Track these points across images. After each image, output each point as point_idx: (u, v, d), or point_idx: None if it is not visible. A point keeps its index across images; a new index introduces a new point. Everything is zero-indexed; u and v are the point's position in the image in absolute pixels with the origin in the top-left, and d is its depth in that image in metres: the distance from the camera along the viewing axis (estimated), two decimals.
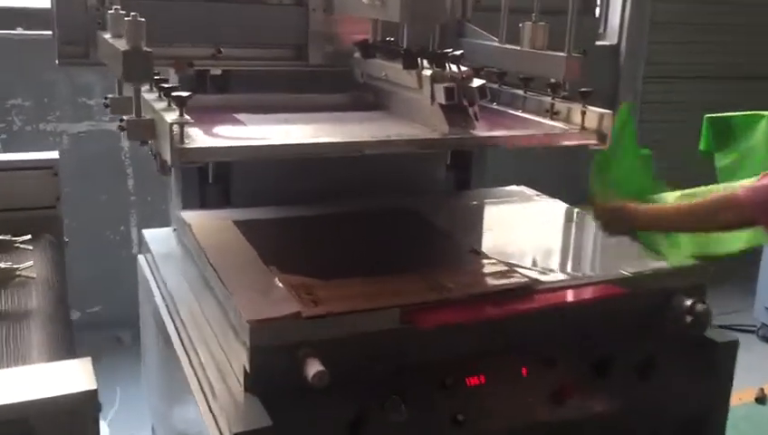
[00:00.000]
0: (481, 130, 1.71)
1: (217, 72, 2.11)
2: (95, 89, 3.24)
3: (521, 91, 1.99)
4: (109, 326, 3.33)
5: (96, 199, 3.36)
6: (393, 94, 1.93)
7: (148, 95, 1.60)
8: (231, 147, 1.39)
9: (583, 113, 1.73)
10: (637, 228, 1.65)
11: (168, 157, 1.35)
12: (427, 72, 1.68)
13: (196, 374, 1.63)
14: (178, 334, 1.80)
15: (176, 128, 1.33)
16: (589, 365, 1.70)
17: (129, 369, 2.88)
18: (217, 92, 2.10)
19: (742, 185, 1.44)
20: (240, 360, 1.48)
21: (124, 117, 1.48)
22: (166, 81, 1.60)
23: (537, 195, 2.34)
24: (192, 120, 1.35)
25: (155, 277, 2.12)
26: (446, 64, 1.70)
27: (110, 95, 1.75)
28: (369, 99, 2.07)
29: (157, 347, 2.05)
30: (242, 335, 1.44)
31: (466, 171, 2.36)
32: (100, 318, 3.41)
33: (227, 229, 1.93)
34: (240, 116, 1.85)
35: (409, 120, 1.85)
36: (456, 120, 1.70)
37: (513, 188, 2.40)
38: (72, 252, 3.25)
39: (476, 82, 1.65)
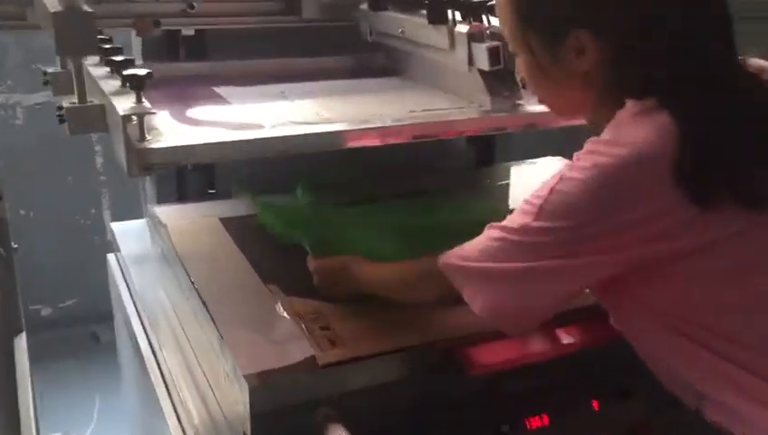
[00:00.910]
0: (528, 102, 1.33)
1: (190, 32, 1.70)
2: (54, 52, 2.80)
3: None
4: (84, 321, 2.97)
5: (62, 181, 2.96)
6: (412, 56, 1.53)
7: (97, 70, 1.21)
8: (212, 144, 0.99)
9: None
10: (362, 292, 1.23)
11: (122, 160, 0.96)
12: (462, 29, 1.29)
13: (178, 417, 1.28)
14: (156, 360, 1.44)
15: (132, 121, 0.95)
16: (671, 395, 1.35)
17: (108, 372, 2.51)
18: (191, 59, 1.70)
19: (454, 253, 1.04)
20: (236, 411, 1.13)
21: (63, 103, 1.08)
22: (119, 50, 1.20)
23: None
24: (153, 110, 0.96)
25: (126, 283, 1.75)
26: (485, 17, 1.31)
27: (50, 69, 1.35)
28: (378, 62, 1.68)
29: (132, 366, 1.69)
30: (239, 392, 1.08)
31: (489, 143, 1.97)
32: (73, 313, 3.04)
33: (213, 231, 1.55)
34: (221, 90, 1.45)
35: (435, 87, 1.46)
36: (499, 88, 1.31)
37: (549, 159, 2.02)
38: (38, 242, 2.91)
39: None
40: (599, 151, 0.91)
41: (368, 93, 1.47)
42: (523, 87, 1.31)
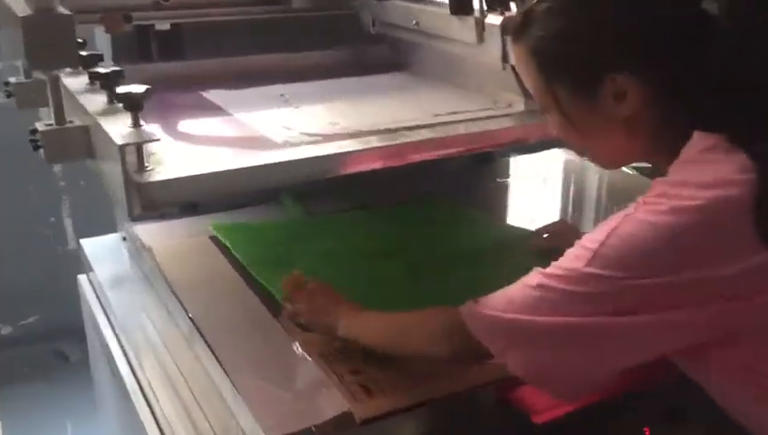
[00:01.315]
0: None
1: (165, 26, 1.51)
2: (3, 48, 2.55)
3: None
4: (49, 339, 2.74)
5: (19, 189, 2.71)
6: (424, 49, 1.37)
7: (73, 81, 1.02)
8: (229, 172, 0.81)
9: None
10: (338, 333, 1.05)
11: (119, 197, 0.78)
12: (494, 20, 1.13)
13: None
14: (144, 398, 1.26)
15: (130, 152, 0.77)
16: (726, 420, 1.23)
17: (80, 394, 2.31)
18: (168, 58, 1.51)
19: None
20: None
21: (37, 126, 0.89)
22: (99, 57, 1.01)
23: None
24: (155, 137, 0.78)
25: (103, 308, 1.56)
26: (514, 4, 1.16)
27: (12, 79, 1.16)
28: (380, 55, 1.51)
29: (115, 401, 1.51)
30: None
31: None
32: (36, 330, 2.80)
33: (205, 253, 1.37)
34: (212, 95, 1.27)
35: (450, 84, 1.31)
36: None
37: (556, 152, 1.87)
38: None
39: None
40: (671, 194, 0.77)
41: (378, 93, 1.30)
42: None
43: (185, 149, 0.95)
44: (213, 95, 1.26)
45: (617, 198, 1.64)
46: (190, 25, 1.51)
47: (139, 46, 1.52)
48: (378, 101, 1.26)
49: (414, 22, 1.32)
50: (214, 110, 1.17)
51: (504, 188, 1.71)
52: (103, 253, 1.64)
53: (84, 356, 1.80)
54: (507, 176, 1.76)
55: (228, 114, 1.15)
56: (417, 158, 0.93)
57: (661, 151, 0.82)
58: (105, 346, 1.45)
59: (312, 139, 1.03)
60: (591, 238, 0.77)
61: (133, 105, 0.78)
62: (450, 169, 1.54)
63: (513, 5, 1.14)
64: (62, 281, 1.94)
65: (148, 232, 1.44)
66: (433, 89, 1.32)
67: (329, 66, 1.47)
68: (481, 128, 0.99)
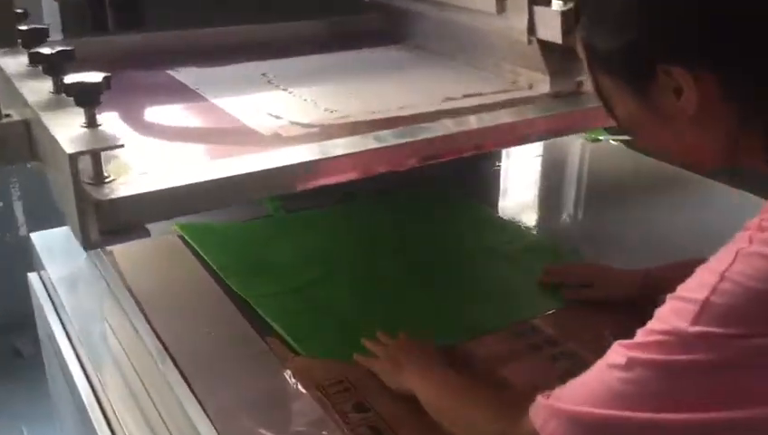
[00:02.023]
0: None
1: None
2: None
3: None
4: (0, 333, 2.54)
5: None
6: (426, 19, 1.19)
7: (10, 60, 0.82)
8: (216, 182, 0.63)
9: None
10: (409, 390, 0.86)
11: (73, 218, 0.60)
12: None
13: None
14: (102, 412, 1.08)
15: (84, 161, 0.59)
16: None
17: (35, 395, 2.12)
18: (124, 30, 1.30)
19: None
20: None
21: None
22: (43, 32, 0.82)
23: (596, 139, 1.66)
24: (119, 142, 0.60)
25: (59, 316, 1.37)
26: None
27: None
28: (371, 26, 1.33)
29: (72, 413, 1.34)
30: None
31: None
32: None
33: (173, 254, 1.19)
34: (182, 75, 1.07)
35: (456, 60, 1.14)
36: (560, 64, 1.00)
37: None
38: None
39: None
40: None
41: (376, 72, 1.12)
42: None
43: (155, 148, 0.77)
44: (183, 75, 1.07)
45: (636, 187, 1.50)
46: None
47: (91, 17, 1.31)
48: (376, 80, 1.07)
49: None
50: (185, 93, 0.98)
51: (503, 175, 1.56)
52: (56, 248, 1.44)
53: (38, 350, 1.62)
54: (507, 158, 1.60)
55: (203, 99, 0.96)
56: (440, 156, 0.76)
57: (755, 154, 0.66)
58: (61, 357, 1.26)
59: (307, 130, 0.85)
60: (692, 286, 0.59)
61: (87, 99, 0.60)
62: None
63: None
64: (13, 270, 1.74)
65: None
66: (441, 67, 1.14)
67: (315, 39, 1.28)
68: (514, 116, 0.81)
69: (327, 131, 0.84)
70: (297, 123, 0.87)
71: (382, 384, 0.89)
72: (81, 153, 0.57)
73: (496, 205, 1.40)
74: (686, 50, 0.64)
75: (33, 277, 1.48)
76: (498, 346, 0.97)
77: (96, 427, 1.04)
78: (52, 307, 1.38)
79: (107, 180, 0.62)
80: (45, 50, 0.70)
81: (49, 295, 1.40)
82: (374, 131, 0.79)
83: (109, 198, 0.59)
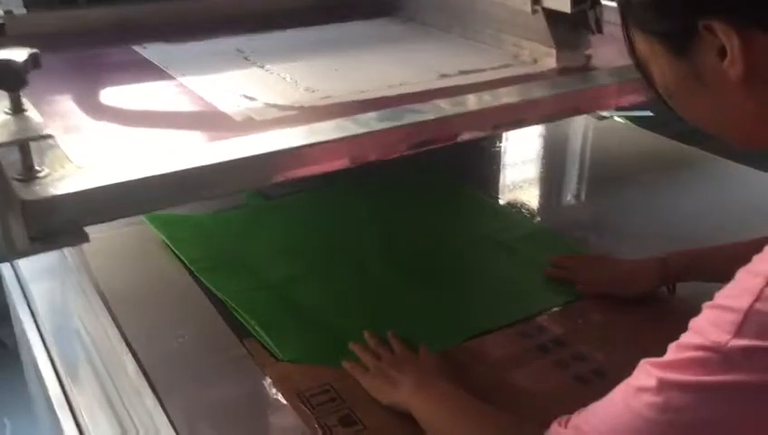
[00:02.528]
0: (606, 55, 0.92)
1: None
2: None
3: None
4: None
5: None
6: None
7: None
8: (179, 173, 0.54)
9: None
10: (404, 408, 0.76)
11: None
12: None
13: None
14: (71, 411, 0.99)
15: (9, 153, 0.49)
16: None
17: (18, 387, 2.04)
18: (95, 3, 1.20)
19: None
20: None
21: None
22: None
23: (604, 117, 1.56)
24: (48, 132, 0.50)
25: (29, 307, 1.28)
26: None
27: None
28: None
29: (43, 404, 1.26)
30: None
31: None
32: None
33: (144, 245, 1.10)
34: (149, 51, 0.97)
35: (452, 33, 1.04)
36: (567, 36, 0.90)
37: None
38: None
39: None
40: None
41: (363, 47, 1.02)
42: (598, 31, 0.90)
43: (105, 136, 0.67)
44: (150, 52, 0.97)
45: (644, 164, 1.40)
46: None
47: None
48: (365, 56, 0.97)
49: None
50: (150, 71, 0.88)
51: (500, 157, 1.46)
52: None
53: None
54: (506, 140, 1.50)
55: (170, 77, 0.86)
56: (433, 142, 0.66)
57: None
58: (31, 352, 1.18)
59: (283, 113, 0.75)
60: (733, 292, 0.49)
61: (9, 82, 0.50)
62: None
63: None
64: None
65: None
66: (434, 39, 1.04)
67: (300, 11, 1.18)
68: (516, 96, 0.71)
69: (306, 114, 0.75)
70: (273, 105, 0.77)
71: (364, 392, 0.81)
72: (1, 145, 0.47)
73: (493, 190, 1.30)
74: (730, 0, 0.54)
75: (4, 269, 1.40)
76: (501, 349, 0.88)
77: (63, 425, 0.96)
78: (23, 299, 1.29)
79: (39, 175, 0.52)
80: None
81: (20, 287, 1.32)
82: (359, 114, 0.69)
83: (39, 197, 0.50)
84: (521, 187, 1.32)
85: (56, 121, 0.69)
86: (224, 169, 0.57)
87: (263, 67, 0.91)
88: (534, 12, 0.86)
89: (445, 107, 0.67)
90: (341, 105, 0.77)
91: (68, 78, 0.85)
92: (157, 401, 0.81)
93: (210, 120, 0.73)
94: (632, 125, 1.55)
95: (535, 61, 0.92)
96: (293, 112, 0.75)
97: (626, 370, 0.54)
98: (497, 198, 1.25)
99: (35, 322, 1.21)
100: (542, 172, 1.38)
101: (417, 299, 0.95)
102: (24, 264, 1.29)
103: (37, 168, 0.53)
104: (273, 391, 0.82)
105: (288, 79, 0.86)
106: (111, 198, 0.54)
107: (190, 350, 0.90)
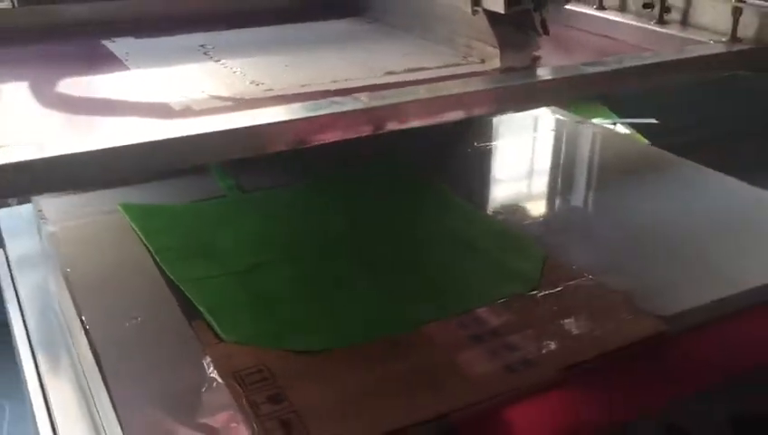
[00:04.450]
0: (550, 55, 0.94)
1: None
2: None
3: None
4: None
5: None
6: None
7: None
8: (76, 155, 0.59)
9: (737, 11, 0.96)
10: None
11: None
12: None
13: None
14: (45, 402, 1.04)
15: None
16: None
17: (18, 371, 2.10)
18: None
19: None
20: None
21: None
22: None
23: (582, 122, 1.58)
24: None
25: (17, 295, 1.34)
26: None
27: None
28: None
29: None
30: None
31: None
32: None
33: (124, 232, 1.15)
34: (116, 45, 1.02)
35: (420, 35, 1.07)
36: (512, 37, 0.93)
37: (541, 111, 1.63)
38: None
39: None
40: None
41: (323, 45, 1.05)
42: (545, 32, 0.92)
43: (35, 121, 0.71)
44: (117, 45, 1.01)
45: (616, 167, 1.42)
46: None
47: None
48: (320, 54, 1.01)
49: None
50: (110, 63, 0.93)
51: (483, 155, 1.48)
52: (18, 226, 1.41)
53: None
54: (489, 139, 1.53)
55: (126, 69, 0.91)
56: (350, 133, 0.69)
57: None
58: (14, 337, 1.23)
59: (223, 103, 0.79)
60: None
61: None
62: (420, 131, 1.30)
63: None
64: None
65: (58, 205, 1.21)
66: (393, 39, 1.07)
67: (268, 9, 1.22)
68: (436, 93, 0.74)
69: (244, 105, 0.78)
70: (215, 97, 0.81)
71: (304, 373, 0.84)
72: None
73: (465, 189, 1.33)
74: None
75: None
76: (440, 337, 0.91)
77: (35, 411, 1.00)
78: (12, 288, 1.35)
79: None
80: None
81: (11, 274, 1.37)
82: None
83: None
84: (491, 188, 1.34)
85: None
86: (120, 153, 0.61)
87: (218, 61, 0.95)
88: (475, 12, 0.89)
89: (364, 100, 0.70)
90: (281, 98, 0.81)
91: (27, 68, 0.90)
92: (99, 376, 0.85)
93: (148, 109, 0.77)
94: (612, 129, 1.57)
95: (483, 61, 0.95)
96: (231, 103, 0.79)
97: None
98: (465, 196, 1.28)
99: (19, 305, 1.27)
100: (513, 172, 1.40)
101: (368, 288, 0.98)
102: (11, 250, 1.34)
103: None
104: (211, 369, 0.85)
105: (238, 73, 0.90)
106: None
107: (141, 330, 0.93)
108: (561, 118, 1.60)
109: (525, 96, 0.78)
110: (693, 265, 1.04)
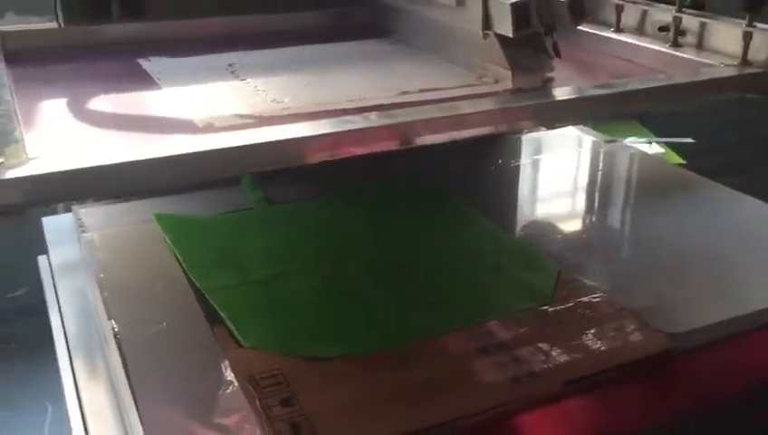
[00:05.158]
0: (567, 77, 0.97)
1: None
2: None
3: None
4: (41, 312, 2.61)
5: None
6: (407, 13, 1.17)
7: None
8: (106, 167, 0.64)
9: (748, 36, 0.98)
10: None
11: None
12: None
13: None
14: (79, 402, 1.09)
15: None
16: None
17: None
18: (127, 19, 1.33)
19: None
20: None
21: None
22: None
23: (612, 140, 1.60)
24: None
25: (57, 298, 1.41)
26: None
27: None
28: (360, 19, 1.31)
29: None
30: None
31: None
32: (27, 303, 2.68)
33: (156, 246, 1.20)
34: (151, 64, 1.08)
35: (436, 55, 1.11)
36: (525, 59, 0.96)
37: (569, 131, 1.66)
38: None
39: None
40: None
41: (344, 65, 1.10)
42: (557, 55, 0.95)
43: (68, 134, 0.77)
44: (151, 64, 1.07)
45: (640, 187, 1.43)
46: None
47: (95, 5, 1.34)
48: (340, 74, 1.06)
49: None
50: (142, 82, 0.99)
51: (507, 173, 1.51)
52: (62, 233, 1.49)
53: None
54: (515, 157, 1.55)
55: (157, 87, 0.96)
56: (358, 150, 0.74)
57: None
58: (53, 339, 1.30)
59: (243, 121, 0.84)
60: None
61: None
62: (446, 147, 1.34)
63: None
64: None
65: (96, 214, 1.28)
66: (413, 60, 1.11)
67: (298, 31, 1.28)
68: (447, 111, 0.78)
69: (262, 122, 0.83)
70: (237, 114, 0.86)
71: (317, 378, 0.88)
72: None
73: (486, 205, 1.35)
74: None
75: (42, 260, 1.52)
76: (450, 348, 0.94)
77: (70, 411, 1.05)
78: (54, 294, 1.42)
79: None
80: None
81: (53, 280, 1.44)
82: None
83: None
84: (511, 202, 1.37)
85: (31, 121, 0.80)
86: (154, 164, 0.66)
87: (244, 80, 1.00)
88: (486, 36, 0.92)
89: (373, 119, 0.75)
90: (298, 116, 0.85)
91: (66, 85, 0.96)
92: (125, 375, 0.90)
93: (174, 124, 0.82)
94: (640, 149, 1.58)
95: (497, 81, 0.98)
96: (252, 120, 0.84)
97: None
98: (486, 212, 1.30)
99: (59, 310, 1.34)
100: (535, 190, 1.42)
101: (384, 299, 1.02)
102: (54, 256, 1.41)
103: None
104: (228, 372, 0.90)
105: (261, 91, 0.95)
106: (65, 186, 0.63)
107: (166, 335, 0.99)
108: (590, 137, 1.62)
109: (531, 116, 0.81)
110: (707, 285, 1.06)
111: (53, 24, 1.30)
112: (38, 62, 1.10)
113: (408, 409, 0.84)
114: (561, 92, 0.87)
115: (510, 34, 0.88)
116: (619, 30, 1.17)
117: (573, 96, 0.85)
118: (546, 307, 1.02)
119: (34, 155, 0.66)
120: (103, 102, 0.90)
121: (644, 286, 1.06)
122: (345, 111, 0.86)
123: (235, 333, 0.96)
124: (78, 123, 0.82)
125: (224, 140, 0.69)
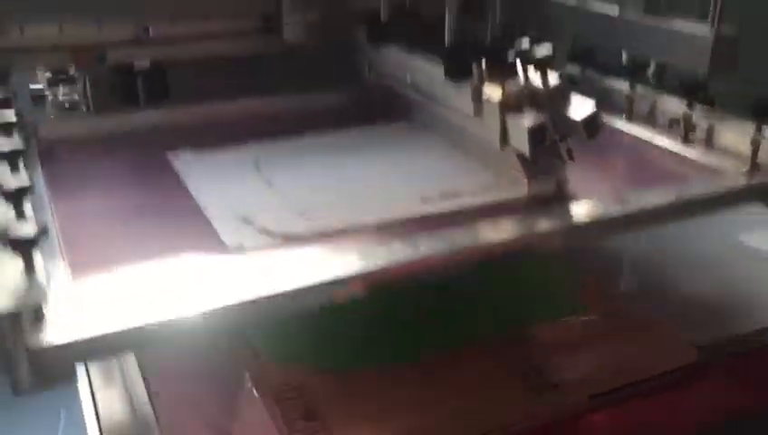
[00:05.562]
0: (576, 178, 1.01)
1: (144, 64, 1.37)
2: None
3: (623, 85, 1.24)
4: None
5: None
6: (425, 107, 1.21)
7: None
8: (159, 325, 0.67)
9: (756, 143, 1.01)
10: None
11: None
12: (493, 94, 0.96)
13: None
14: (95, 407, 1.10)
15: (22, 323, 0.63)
16: None
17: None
18: (151, 101, 1.37)
19: None
20: None
21: None
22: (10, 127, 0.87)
23: None
24: (43, 295, 0.64)
25: None
26: (523, 70, 0.98)
27: None
28: (381, 102, 1.34)
29: None
30: None
31: None
32: None
33: None
34: (179, 160, 1.12)
35: (455, 146, 1.14)
36: (540, 167, 0.99)
37: None
38: None
39: (580, 108, 0.93)
40: None
41: (368, 159, 1.13)
42: (570, 159, 0.99)
43: (100, 253, 0.82)
44: (179, 159, 1.11)
45: None
46: (172, 63, 1.37)
47: (123, 87, 1.38)
48: (363, 172, 1.08)
49: (409, 79, 1.15)
50: (170, 181, 1.03)
51: None
52: None
53: None
54: None
55: (184, 189, 1.01)
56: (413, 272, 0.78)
57: None
58: None
59: (271, 242, 0.88)
60: None
61: (24, 252, 0.64)
62: None
63: (519, 76, 0.96)
64: None
65: None
66: (432, 153, 1.14)
67: (321, 112, 1.32)
68: (479, 233, 0.82)
69: (288, 243, 0.86)
70: (265, 230, 0.89)
71: (338, 391, 0.89)
72: (10, 313, 0.60)
73: None
74: None
75: None
76: (473, 360, 0.96)
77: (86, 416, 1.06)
78: None
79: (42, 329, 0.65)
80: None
81: None
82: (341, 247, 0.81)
83: (41, 347, 0.62)
84: None
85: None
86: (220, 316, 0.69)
87: (270, 185, 1.03)
88: (503, 149, 0.96)
89: (398, 248, 0.79)
90: (324, 236, 0.88)
91: (99, 197, 1.00)
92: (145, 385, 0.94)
93: (203, 245, 0.85)
94: None
95: (513, 184, 1.01)
96: (278, 242, 0.87)
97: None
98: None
99: None
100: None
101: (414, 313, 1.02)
102: None
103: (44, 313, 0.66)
104: (251, 385, 0.92)
105: (286, 197, 0.98)
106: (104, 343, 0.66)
107: (197, 350, 0.98)
108: None
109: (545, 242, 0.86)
110: (740, 297, 1.08)
111: (80, 112, 1.35)
112: (70, 154, 1.14)
113: (431, 422, 0.86)
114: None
115: (527, 154, 0.91)
116: (630, 118, 1.21)
117: (591, 219, 0.89)
118: (572, 317, 1.03)
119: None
120: (129, 210, 0.95)
121: (675, 298, 1.08)
122: (369, 229, 0.89)
123: (257, 346, 0.98)
124: (116, 247, 0.85)
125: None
